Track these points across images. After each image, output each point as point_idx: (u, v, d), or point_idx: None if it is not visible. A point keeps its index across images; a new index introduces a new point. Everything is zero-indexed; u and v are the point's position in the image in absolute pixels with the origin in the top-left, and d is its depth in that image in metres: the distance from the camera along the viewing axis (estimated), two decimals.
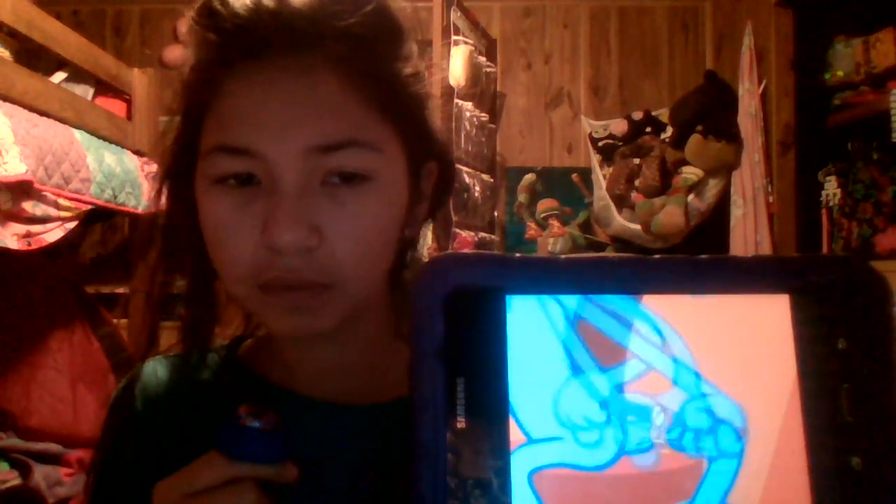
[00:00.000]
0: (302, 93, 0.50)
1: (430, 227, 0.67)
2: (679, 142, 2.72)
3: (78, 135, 1.72)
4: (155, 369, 0.64)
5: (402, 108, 0.55)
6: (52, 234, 1.62)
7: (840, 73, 2.35)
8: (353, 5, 0.52)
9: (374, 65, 0.53)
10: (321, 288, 0.52)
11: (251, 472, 0.48)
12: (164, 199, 0.60)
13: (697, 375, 0.36)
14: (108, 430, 0.64)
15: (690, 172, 2.72)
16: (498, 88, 3.06)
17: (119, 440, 0.62)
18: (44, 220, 1.58)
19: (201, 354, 0.64)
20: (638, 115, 3.05)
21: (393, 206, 0.55)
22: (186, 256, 0.60)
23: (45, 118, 1.60)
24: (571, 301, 0.36)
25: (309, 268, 0.51)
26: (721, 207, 2.72)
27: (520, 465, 0.34)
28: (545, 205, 3.21)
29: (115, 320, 2.12)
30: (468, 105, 2.58)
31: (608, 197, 2.97)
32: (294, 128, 0.50)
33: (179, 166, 0.57)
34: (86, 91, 1.94)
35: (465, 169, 2.57)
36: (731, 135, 2.61)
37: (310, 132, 0.50)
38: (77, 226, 1.74)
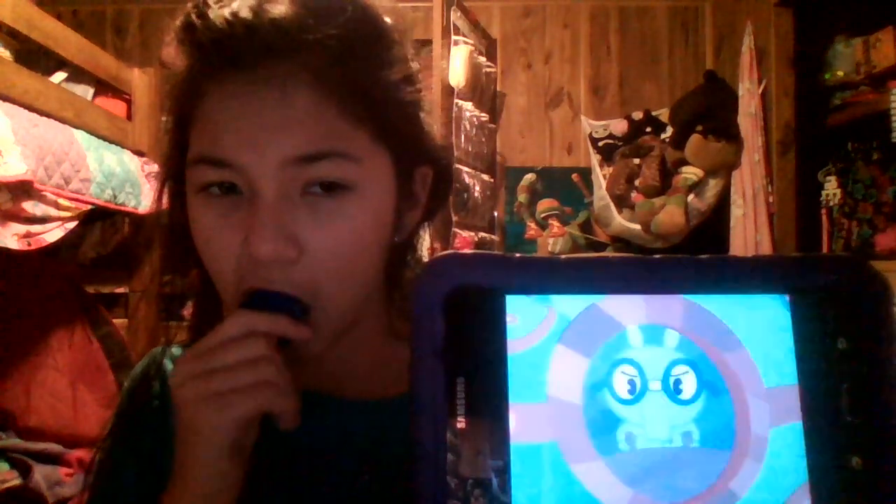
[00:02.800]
0: (277, 104, 0.51)
1: (428, 229, 0.67)
2: (679, 142, 2.72)
3: (78, 135, 1.72)
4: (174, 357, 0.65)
5: (385, 115, 0.54)
6: (52, 234, 1.62)
7: (840, 73, 2.35)
8: (330, 16, 0.52)
9: (353, 74, 0.52)
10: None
11: (269, 322, 0.50)
12: (165, 200, 0.61)
13: (697, 375, 0.36)
14: (124, 412, 0.65)
15: (690, 172, 2.72)
16: (498, 88, 3.06)
17: (134, 425, 0.63)
18: (44, 220, 1.58)
19: None
20: (638, 115, 3.05)
21: (376, 215, 0.55)
22: (192, 255, 0.60)
23: (45, 118, 1.60)
24: (571, 301, 0.36)
25: (288, 282, 0.52)
26: (721, 207, 2.72)
27: None
28: (545, 205, 3.20)
29: (115, 320, 2.12)
30: (468, 105, 2.58)
31: (608, 197, 2.97)
32: (269, 140, 0.50)
33: (176, 169, 0.58)
34: (86, 91, 1.94)
35: (465, 169, 2.57)
36: (731, 135, 2.61)
37: (285, 144, 0.50)
38: (77, 226, 1.73)
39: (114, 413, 0.65)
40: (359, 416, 0.59)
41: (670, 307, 0.36)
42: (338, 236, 0.52)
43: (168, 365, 0.64)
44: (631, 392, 0.35)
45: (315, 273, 0.52)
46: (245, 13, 0.50)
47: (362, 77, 0.53)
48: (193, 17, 0.52)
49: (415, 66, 0.58)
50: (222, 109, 0.52)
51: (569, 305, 0.36)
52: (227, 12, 0.51)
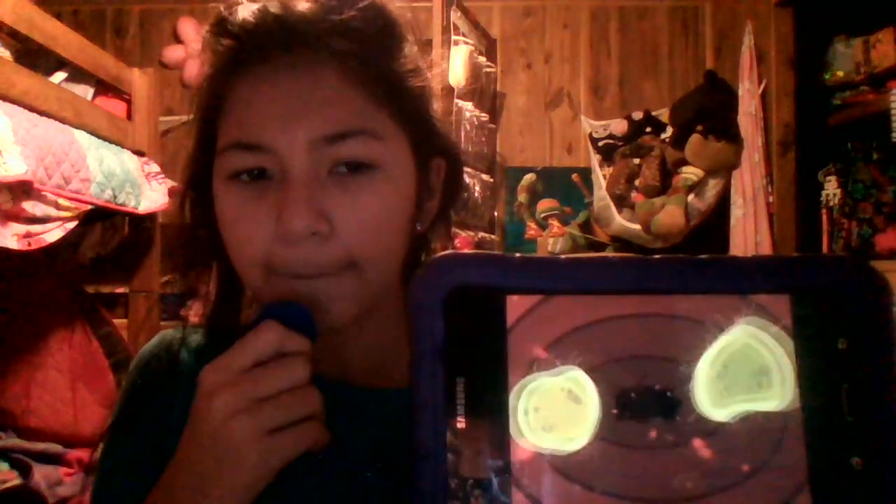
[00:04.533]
0: (305, 88, 0.54)
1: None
2: (679, 142, 2.72)
3: (78, 135, 1.72)
4: (195, 339, 0.65)
5: (402, 100, 0.57)
6: (52, 234, 1.61)
7: (840, 73, 2.35)
8: (348, 3, 0.55)
9: (373, 58, 0.56)
10: (340, 270, 0.54)
11: (303, 344, 0.50)
12: (186, 206, 0.63)
13: (697, 375, 0.36)
14: (132, 395, 0.65)
15: (690, 172, 2.72)
16: (498, 88, 3.06)
17: (141, 408, 0.63)
18: (44, 220, 1.58)
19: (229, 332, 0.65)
20: (638, 115, 3.05)
21: (400, 195, 0.57)
22: (210, 251, 0.61)
23: (45, 118, 1.60)
24: (571, 300, 0.36)
25: (321, 255, 0.53)
26: (721, 207, 2.72)
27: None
28: (545, 205, 3.20)
29: (115, 320, 2.12)
30: (468, 105, 2.58)
31: (608, 197, 2.97)
32: (299, 121, 0.53)
33: (200, 172, 0.60)
34: (86, 91, 1.94)
35: (465, 169, 2.56)
36: (731, 135, 2.61)
37: (314, 124, 0.53)
38: (77, 226, 1.73)
39: (121, 394, 0.65)
40: (372, 403, 0.60)
41: (670, 307, 0.36)
42: (367, 211, 0.54)
43: (184, 354, 0.64)
44: (631, 392, 0.35)
45: (346, 244, 0.53)
46: (274, 7, 0.54)
47: (381, 62, 0.56)
48: (225, 14, 0.56)
49: (422, 63, 0.61)
50: (253, 96, 0.55)
51: (568, 305, 0.36)
52: (256, 7, 0.55)
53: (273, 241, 0.53)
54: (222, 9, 0.56)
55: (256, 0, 0.55)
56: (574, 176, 3.21)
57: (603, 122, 3.15)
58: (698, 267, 0.37)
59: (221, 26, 0.56)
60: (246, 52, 0.55)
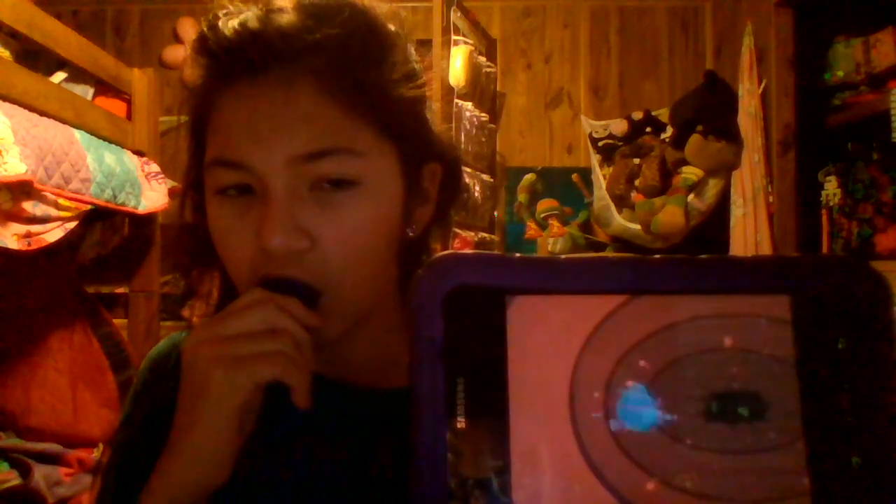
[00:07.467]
0: (283, 105, 0.53)
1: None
2: (679, 142, 2.72)
3: (78, 135, 1.72)
4: None
5: (388, 111, 0.56)
6: (52, 234, 1.61)
7: (840, 73, 2.35)
8: (329, 18, 0.55)
9: (353, 72, 0.55)
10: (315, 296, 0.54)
11: (282, 300, 0.51)
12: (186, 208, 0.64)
13: (697, 376, 0.36)
14: (141, 394, 0.65)
15: (690, 172, 2.72)
16: (498, 88, 3.06)
17: (151, 407, 0.63)
18: (44, 220, 1.58)
19: None
20: (638, 115, 3.05)
21: (384, 209, 0.56)
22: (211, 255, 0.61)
23: (45, 118, 1.60)
24: (571, 301, 0.36)
25: (300, 270, 0.53)
26: (721, 207, 2.72)
27: None
28: (545, 205, 3.21)
29: (115, 320, 2.12)
30: (468, 105, 2.58)
31: (608, 197, 2.97)
32: (276, 139, 0.53)
33: (196, 178, 0.61)
34: (86, 91, 1.93)
35: (465, 169, 2.56)
36: (731, 135, 2.61)
37: (291, 142, 0.53)
38: (77, 226, 1.73)
39: (131, 394, 0.66)
40: (368, 402, 0.61)
41: (670, 307, 0.36)
42: (347, 227, 0.54)
43: None
44: (630, 393, 0.35)
45: (327, 262, 0.54)
46: (253, 23, 0.54)
47: (363, 74, 0.55)
48: (205, 29, 0.56)
49: (417, 66, 0.60)
50: (233, 113, 0.55)
51: (568, 305, 0.36)
52: (236, 23, 0.55)
53: (256, 254, 0.54)
54: (203, 25, 0.57)
55: (237, 15, 0.55)
56: (574, 176, 3.22)
57: (603, 122, 3.15)
58: (698, 267, 0.37)
59: (202, 43, 0.57)
60: (225, 69, 0.55)
